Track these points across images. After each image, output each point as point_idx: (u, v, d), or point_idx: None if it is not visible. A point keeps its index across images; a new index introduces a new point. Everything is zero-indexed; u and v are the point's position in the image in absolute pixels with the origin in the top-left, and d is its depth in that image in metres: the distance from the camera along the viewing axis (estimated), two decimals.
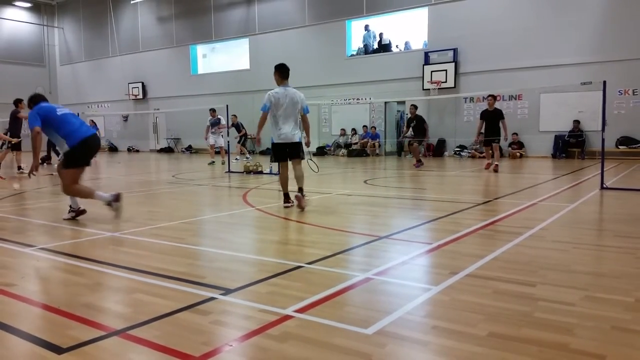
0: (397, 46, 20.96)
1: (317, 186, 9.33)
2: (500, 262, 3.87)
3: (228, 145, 13.96)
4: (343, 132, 21.61)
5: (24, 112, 9.88)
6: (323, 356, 2.30)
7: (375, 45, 21.43)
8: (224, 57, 26.22)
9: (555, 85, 15.22)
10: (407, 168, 13.97)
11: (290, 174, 6.79)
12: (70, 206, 5.98)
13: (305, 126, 6.87)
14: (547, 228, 5.20)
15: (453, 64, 18.82)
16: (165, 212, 6.80)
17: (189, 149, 26.39)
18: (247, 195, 8.31)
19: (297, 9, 22.61)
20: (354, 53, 21.82)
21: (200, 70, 26.98)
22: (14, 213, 6.75)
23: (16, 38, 31.04)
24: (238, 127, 17.69)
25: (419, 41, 20.24)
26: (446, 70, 18.89)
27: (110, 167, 16.59)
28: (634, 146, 16.03)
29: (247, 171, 12.23)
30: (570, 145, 17.00)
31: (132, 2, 28.17)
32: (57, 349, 2.39)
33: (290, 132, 6.53)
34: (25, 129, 7.51)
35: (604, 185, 8.21)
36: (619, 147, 16.14)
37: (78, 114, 6.43)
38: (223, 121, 16.12)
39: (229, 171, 12.65)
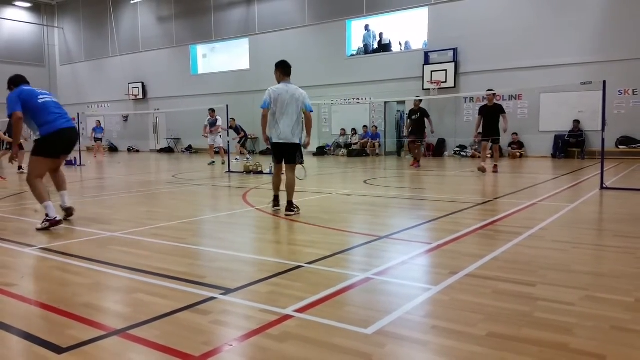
0: (399, 43, 20.91)
1: (317, 186, 9.33)
2: (500, 262, 3.87)
3: (228, 145, 13.97)
4: (343, 132, 21.62)
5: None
6: (323, 356, 2.30)
7: (375, 45, 21.44)
8: (224, 57, 26.22)
9: (555, 85, 15.24)
10: (407, 168, 13.97)
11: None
12: (47, 215, 5.30)
13: (307, 124, 6.42)
14: (546, 228, 5.20)
15: (453, 64, 18.83)
16: (165, 212, 6.80)
17: (189, 149, 26.39)
18: (247, 195, 8.31)
19: (297, 8, 22.61)
20: (354, 53, 21.82)
21: (200, 70, 26.99)
22: (14, 213, 6.75)
23: (16, 38, 31.05)
24: (237, 129, 17.64)
25: (419, 41, 20.25)
26: (446, 70, 18.90)
27: (111, 167, 16.58)
28: (633, 146, 16.03)
29: (247, 171, 12.24)
30: (570, 145, 17.00)
31: (132, 2, 28.18)
32: (57, 349, 2.39)
33: (290, 131, 6.17)
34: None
35: (604, 185, 8.21)
36: (619, 147, 16.15)
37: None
38: (219, 122, 16.13)
39: (229, 171, 12.66)
